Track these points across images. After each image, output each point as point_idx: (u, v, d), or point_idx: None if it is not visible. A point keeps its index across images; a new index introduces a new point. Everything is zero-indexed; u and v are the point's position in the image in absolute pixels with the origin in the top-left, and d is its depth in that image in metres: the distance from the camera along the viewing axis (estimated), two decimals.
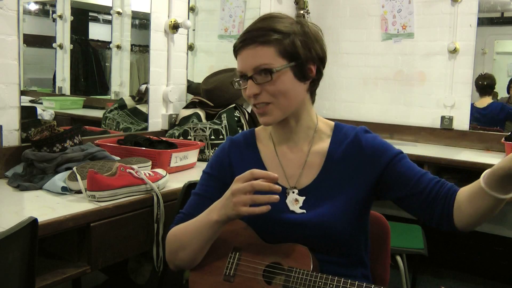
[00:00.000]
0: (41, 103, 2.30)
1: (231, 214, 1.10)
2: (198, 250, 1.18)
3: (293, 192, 1.20)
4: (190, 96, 2.78)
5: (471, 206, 1.06)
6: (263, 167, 1.25)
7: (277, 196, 1.06)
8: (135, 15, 2.72)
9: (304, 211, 1.18)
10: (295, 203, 1.19)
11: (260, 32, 1.15)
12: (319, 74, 1.21)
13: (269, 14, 1.20)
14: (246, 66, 1.16)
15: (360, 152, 1.20)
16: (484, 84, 3.21)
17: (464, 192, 1.09)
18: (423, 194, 1.14)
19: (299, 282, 1.09)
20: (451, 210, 1.10)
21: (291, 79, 1.16)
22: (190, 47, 3.00)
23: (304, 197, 1.19)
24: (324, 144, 1.24)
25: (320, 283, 1.07)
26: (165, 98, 2.60)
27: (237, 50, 1.18)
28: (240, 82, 1.20)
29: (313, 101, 1.26)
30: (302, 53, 1.15)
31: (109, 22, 2.73)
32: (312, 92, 1.24)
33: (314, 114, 1.26)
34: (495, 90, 3.25)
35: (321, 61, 1.20)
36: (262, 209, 1.06)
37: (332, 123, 1.29)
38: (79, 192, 1.59)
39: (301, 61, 1.15)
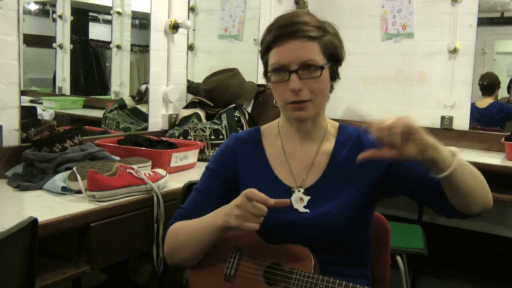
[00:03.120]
0: (41, 103, 2.30)
1: (232, 225, 1.08)
2: (197, 251, 1.18)
3: (299, 191, 1.20)
4: (190, 96, 2.77)
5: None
6: (268, 166, 1.24)
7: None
8: (135, 15, 2.72)
9: (308, 210, 1.18)
10: (299, 201, 1.19)
11: (306, 27, 1.12)
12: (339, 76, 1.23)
13: (300, 10, 1.17)
14: (291, 59, 1.11)
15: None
16: (485, 84, 3.21)
17: None
18: (433, 183, 1.13)
19: (300, 284, 1.09)
20: None
21: (328, 78, 1.17)
22: (190, 47, 3.00)
23: (309, 197, 1.19)
24: (329, 145, 1.24)
25: (321, 286, 1.07)
26: (165, 98, 2.60)
27: (276, 41, 1.12)
28: (273, 75, 1.14)
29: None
30: (338, 53, 1.18)
31: (109, 22, 2.72)
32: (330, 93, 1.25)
33: (325, 115, 1.27)
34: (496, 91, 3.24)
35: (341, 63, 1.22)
36: (255, 226, 1.06)
37: (337, 123, 1.29)
38: (79, 192, 1.59)
39: (337, 62, 1.19)
